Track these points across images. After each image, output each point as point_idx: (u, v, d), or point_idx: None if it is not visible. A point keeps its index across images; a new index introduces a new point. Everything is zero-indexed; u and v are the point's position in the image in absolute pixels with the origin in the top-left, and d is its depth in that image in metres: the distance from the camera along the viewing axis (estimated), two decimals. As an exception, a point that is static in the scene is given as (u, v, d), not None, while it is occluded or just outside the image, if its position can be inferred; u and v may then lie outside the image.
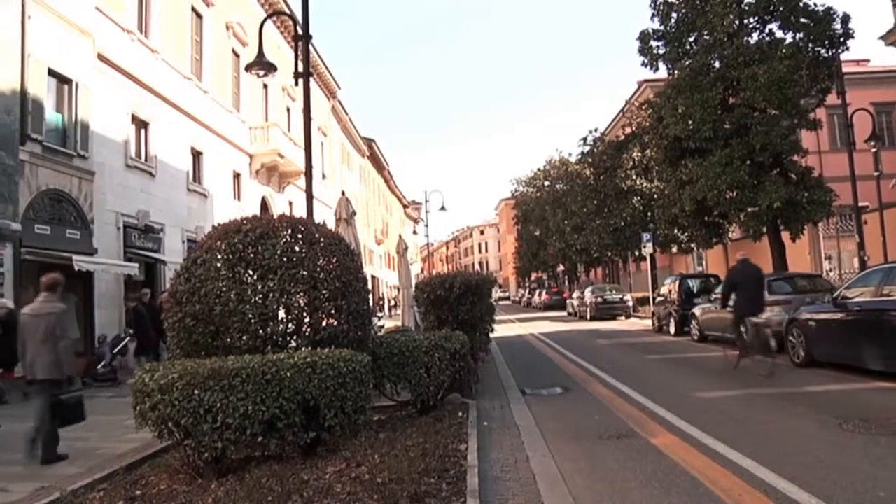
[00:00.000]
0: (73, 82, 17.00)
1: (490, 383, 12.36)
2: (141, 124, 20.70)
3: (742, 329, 12.72)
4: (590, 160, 40.80)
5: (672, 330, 20.96)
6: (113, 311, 18.21)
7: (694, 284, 21.90)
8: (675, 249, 33.44)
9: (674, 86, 21.85)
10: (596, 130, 41.84)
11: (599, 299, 33.30)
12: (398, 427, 8.02)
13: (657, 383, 11.54)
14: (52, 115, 16.49)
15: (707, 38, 21.14)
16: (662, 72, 23.78)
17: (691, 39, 22.02)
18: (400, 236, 26.91)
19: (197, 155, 24.47)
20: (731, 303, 13.35)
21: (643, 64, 23.10)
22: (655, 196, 32.26)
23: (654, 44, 22.69)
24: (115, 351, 15.74)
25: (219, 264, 7.34)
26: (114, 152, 18.93)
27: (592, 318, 32.20)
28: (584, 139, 41.48)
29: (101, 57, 18.20)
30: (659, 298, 23.54)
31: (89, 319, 17.19)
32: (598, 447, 7.27)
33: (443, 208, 51.23)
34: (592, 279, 55.79)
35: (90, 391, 13.80)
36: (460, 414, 8.73)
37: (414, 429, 7.78)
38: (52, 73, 16.27)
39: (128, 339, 15.94)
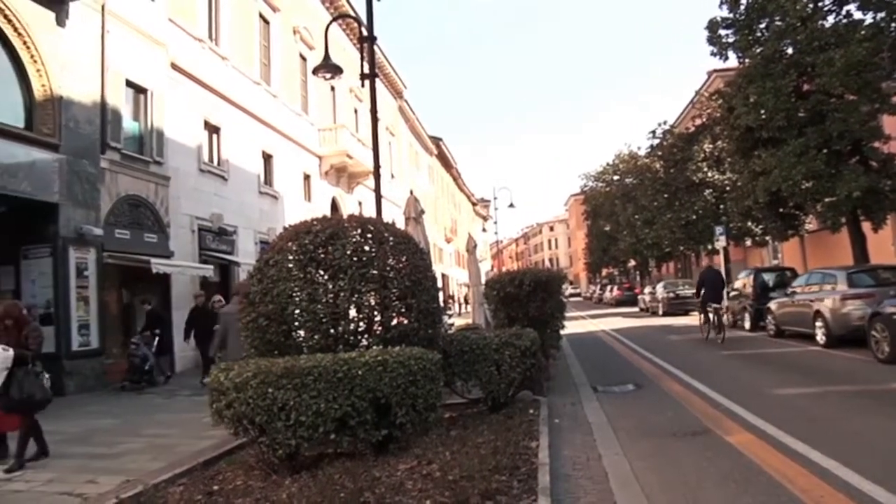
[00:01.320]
0: (149, 91, 17.55)
1: (561, 380, 12.29)
2: (213, 130, 21.20)
3: (708, 311, 18.51)
4: (659, 153, 40.18)
5: (747, 325, 20.48)
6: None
7: (769, 278, 21.33)
8: (749, 242, 32.76)
9: (744, 74, 21.33)
10: (665, 123, 41.17)
11: (671, 294, 32.73)
12: (469, 424, 8.00)
13: (732, 379, 11.29)
14: (129, 124, 17.05)
15: (779, 23, 20.49)
16: (732, 61, 23.24)
17: (762, 26, 21.35)
18: (469, 234, 26.98)
19: (267, 158, 24.92)
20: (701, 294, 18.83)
21: (712, 53, 22.62)
22: (728, 188, 31.62)
23: (722, 32, 22.15)
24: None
25: (290, 265, 7.43)
26: (188, 158, 19.44)
27: (664, 314, 31.69)
28: (653, 132, 40.87)
29: (174, 66, 18.72)
30: (733, 293, 23.00)
31: (168, 320, 17.65)
32: (671, 445, 7.14)
33: (511, 205, 51.17)
34: (664, 274, 54.95)
35: (153, 391, 14.28)
36: (531, 411, 8.66)
37: (485, 426, 7.75)
38: (129, 83, 16.83)
39: (156, 339, 16.11)
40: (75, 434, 9.76)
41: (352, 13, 26.37)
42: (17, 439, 7.79)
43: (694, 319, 27.73)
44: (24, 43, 13.69)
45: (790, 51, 20.57)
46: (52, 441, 9.13)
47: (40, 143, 14.01)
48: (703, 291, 18.70)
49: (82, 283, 14.72)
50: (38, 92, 14.03)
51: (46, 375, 8.06)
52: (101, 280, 15.26)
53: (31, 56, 13.84)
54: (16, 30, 13.51)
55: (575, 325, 27.53)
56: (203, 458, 7.40)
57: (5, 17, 13.31)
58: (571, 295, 76.73)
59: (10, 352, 7.55)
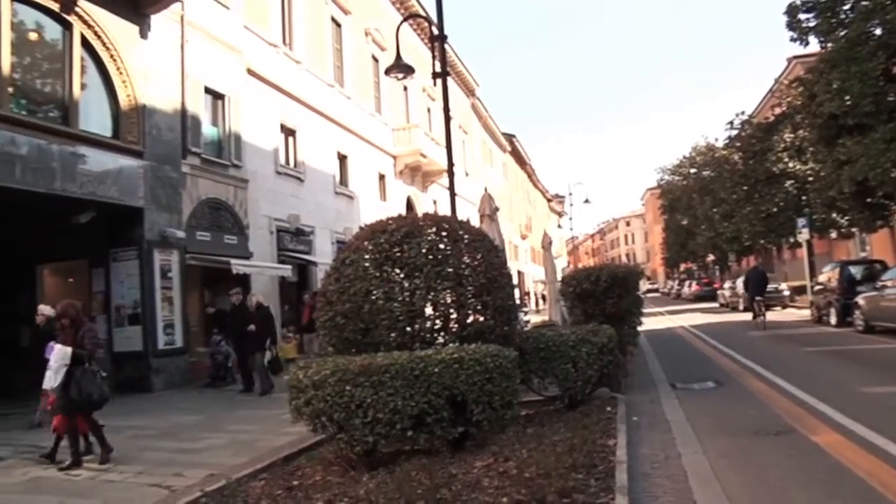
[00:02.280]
0: (226, 97, 18.03)
1: (639, 377, 12.11)
2: (289, 132, 21.61)
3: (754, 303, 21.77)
4: (738, 144, 39.20)
5: (833, 320, 19.76)
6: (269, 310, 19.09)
7: (857, 271, 20.46)
8: (834, 234, 31.64)
9: (827, 59, 20.61)
10: (743, 113, 40.09)
11: (770, 288, 31.82)
12: (546, 422, 7.94)
13: (817, 377, 10.90)
14: (208, 129, 17.54)
15: (866, 3, 19.65)
16: (813, 46, 22.50)
17: (846, 7, 20.53)
18: (544, 230, 26.84)
19: (342, 159, 25.27)
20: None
21: (792, 39, 21.96)
22: (810, 179, 30.62)
23: (803, 16, 21.43)
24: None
25: (366, 264, 7.51)
26: (265, 160, 19.86)
27: (745, 310, 30.86)
28: (731, 123, 39.89)
29: (250, 71, 19.16)
30: (818, 287, 22.28)
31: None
32: (753, 444, 6.93)
33: (587, 201, 50.66)
34: (744, 268, 53.63)
35: (233, 388, 14.62)
36: (608, 409, 8.55)
37: (561, 424, 7.69)
38: (207, 90, 17.32)
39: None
40: (163, 429, 10.14)
41: (422, 13, 26.51)
42: (68, 437, 7.93)
43: (776, 315, 27.12)
44: (111, 56, 14.30)
45: (878, 32, 19.73)
46: (143, 436, 9.57)
47: (126, 150, 14.57)
48: (749, 287, 23.26)
49: (166, 284, 15.21)
50: (123, 102, 14.60)
51: (104, 374, 8.14)
52: (183, 281, 15.75)
53: (118, 68, 14.43)
54: (104, 44, 14.13)
55: (652, 321, 27.09)
56: (283, 454, 7.54)
57: (95, 33, 13.95)
58: (649, 291, 75.46)
59: (69, 349, 7.67)
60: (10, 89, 12.52)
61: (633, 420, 8.25)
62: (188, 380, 15.03)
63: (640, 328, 13.66)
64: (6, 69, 12.30)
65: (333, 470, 6.57)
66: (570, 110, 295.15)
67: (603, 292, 11.59)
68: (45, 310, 10.97)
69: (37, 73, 13.43)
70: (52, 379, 7.61)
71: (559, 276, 18.77)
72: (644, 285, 50.35)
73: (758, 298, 21.71)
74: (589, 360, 8.62)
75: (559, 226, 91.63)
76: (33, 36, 13.35)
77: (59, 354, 7.62)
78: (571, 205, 56.85)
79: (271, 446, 8.17)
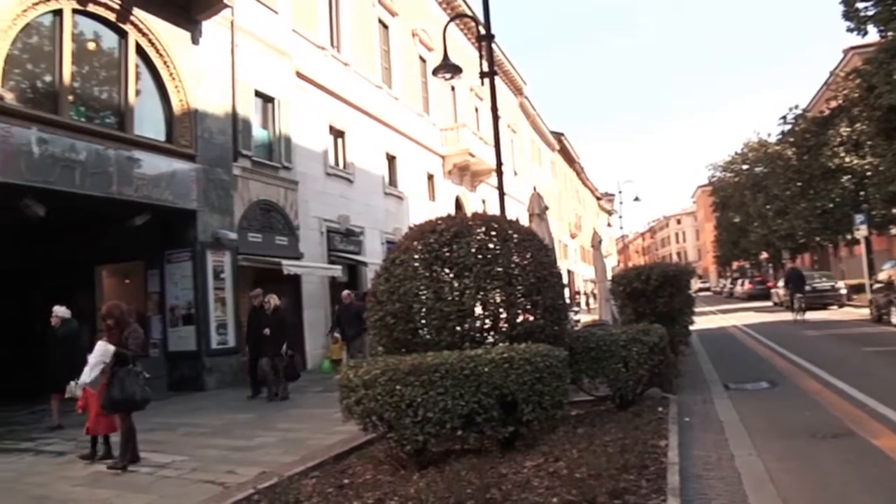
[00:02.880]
0: (276, 100, 18.25)
1: (691, 377, 11.93)
2: (338, 134, 21.79)
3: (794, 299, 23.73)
4: (791, 139, 38.46)
5: (894, 319, 19.24)
6: (319, 310, 19.29)
7: (920, 268, 19.92)
8: (894, 231, 30.83)
9: (887, 49, 20.02)
10: (797, 107, 39.28)
11: (808, 287, 31.18)
12: (596, 422, 7.87)
13: (878, 378, 10.56)
14: (258, 132, 17.78)
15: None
16: (872, 36, 21.88)
17: (906, -6, 19.97)
18: (594, 229, 26.69)
19: (391, 159, 25.40)
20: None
21: (849, 29, 21.32)
22: (868, 173, 29.89)
23: (860, 5, 20.82)
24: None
25: (416, 264, 7.54)
26: (314, 162, 20.07)
27: (787, 307, 30.23)
28: (784, 117, 39.15)
29: (299, 74, 19.38)
30: (877, 285, 21.68)
31: (299, 319, 18.31)
32: (810, 447, 6.77)
33: (637, 199, 50.28)
34: (799, 266, 52.56)
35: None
36: (660, 409, 8.44)
37: (612, 424, 7.63)
38: (257, 93, 17.57)
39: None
40: (217, 427, 10.33)
41: (469, 12, 26.52)
42: (120, 438, 7.93)
43: (833, 313, 26.54)
44: (164, 62, 14.63)
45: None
46: (197, 433, 9.76)
47: (179, 154, 14.87)
48: (789, 286, 25.61)
49: (219, 284, 15.48)
50: (176, 107, 14.90)
51: (147, 376, 8.07)
52: (236, 282, 16.00)
53: (170, 74, 14.74)
54: (157, 51, 14.46)
55: (704, 320, 26.66)
56: (334, 453, 7.61)
57: (148, 40, 14.31)
58: (700, 289, 74.30)
59: (111, 347, 7.62)
60: (70, 97, 12.90)
61: (684, 421, 8.14)
62: (240, 379, 15.24)
63: (691, 327, 13.47)
64: (67, 79, 12.73)
65: (384, 469, 6.60)
66: (619, 108, 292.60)
67: (654, 291, 11.47)
68: (58, 311, 10.84)
69: (94, 80, 13.79)
70: (87, 374, 7.62)
71: (609, 275, 18.64)
72: (695, 284, 49.53)
73: (798, 296, 23.97)
74: (640, 360, 8.53)
75: (609, 224, 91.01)
76: (91, 45, 13.74)
77: (99, 350, 7.61)
78: (621, 203, 56.13)
79: (322, 445, 8.24)
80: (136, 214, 14.29)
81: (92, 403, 8.21)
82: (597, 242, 20.70)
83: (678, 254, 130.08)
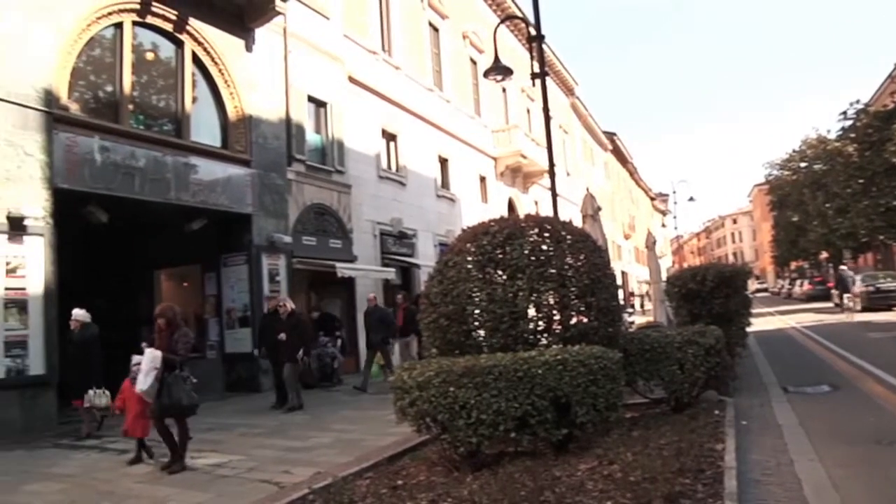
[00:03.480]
0: (328, 105, 18.45)
1: (748, 380, 11.69)
2: (390, 137, 21.93)
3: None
4: (852, 135, 37.50)
5: (962, 319, 18.58)
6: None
7: None
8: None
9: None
10: (858, 102, 38.29)
11: (871, 288, 30.20)
12: (651, 425, 7.79)
13: (950, 383, 10.18)
14: (312, 137, 18.00)
15: None
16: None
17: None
18: (648, 230, 26.41)
19: (443, 162, 25.47)
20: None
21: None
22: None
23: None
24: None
25: (469, 266, 7.53)
26: (367, 165, 20.22)
27: (863, 309, 29.41)
28: (845, 113, 38.19)
29: (351, 79, 19.55)
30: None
31: (353, 322, 18.46)
32: (874, 453, 6.50)
33: (691, 199, 49.49)
34: (861, 266, 51.17)
35: (339, 389, 14.95)
36: (716, 412, 8.29)
37: (667, 427, 7.51)
38: (310, 98, 17.79)
39: (339, 340, 16.80)
40: (273, 427, 10.48)
41: (519, 14, 26.45)
42: (178, 440, 7.84)
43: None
44: (219, 70, 14.94)
45: None
46: (253, 433, 9.92)
47: (234, 159, 15.14)
48: (838, 287, 26.63)
49: (274, 287, 15.68)
50: (231, 113, 15.19)
51: (194, 381, 7.96)
52: (291, 284, 16.20)
53: (225, 81, 15.04)
54: (212, 59, 14.78)
55: (762, 321, 26.10)
56: (388, 454, 7.65)
57: (204, 49, 14.64)
58: (758, 290, 72.76)
59: (159, 353, 7.57)
60: (131, 106, 13.31)
61: (742, 424, 7.97)
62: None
63: (748, 329, 13.20)
64: (127, 88, 13.15)
65: (437, 470, 6.61)
66: (672, 108, 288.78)
67: (709, 292, 11.29)
68: (77, 314, 10.46)
69: (153, 89, 14.14)
70: (142, 381, 7.58)
71: (664, 276, 18.40)
72: (752, 285, 48.57)
73: (846, 296, 26.63)
74: (695, 362, 8.38)
75: (663, 225, 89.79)
76: (150, 56, 14.15)
77: (149, 357, 7.60)
78: (675, 203, 55.58)
79: (376, 446, 8.29)
80: (193, 219, 14.62)
81: (130, 405, 8.18)
82: (651, 243, 20.43)
83: (734, 254, 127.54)
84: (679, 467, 5.69)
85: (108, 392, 9.95)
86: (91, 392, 10.07)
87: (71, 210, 11.92)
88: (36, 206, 11.04)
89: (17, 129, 10.90)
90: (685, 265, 38.43)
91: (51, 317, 11.16)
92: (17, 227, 10.74)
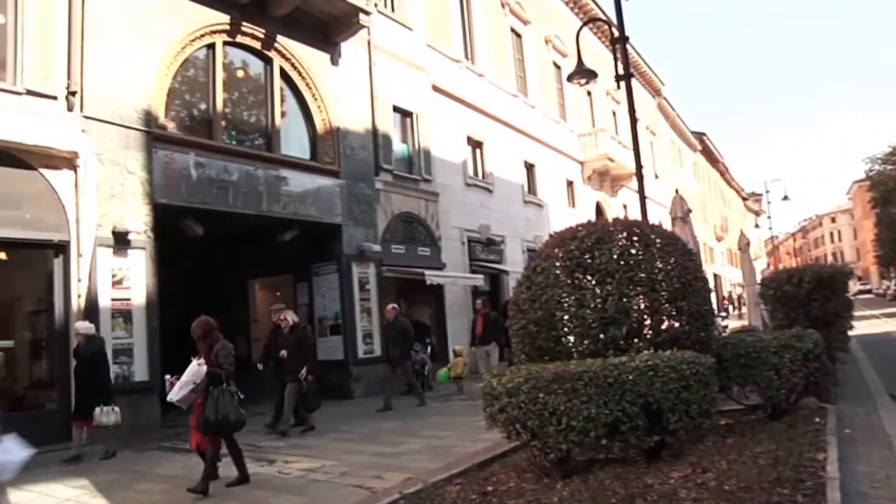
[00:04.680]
0: (414, 114, 18.68)
1: (852, 386, 11.19)
2: (475, 145, 22.02)
3: None
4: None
5: None
6: (462, 319, 19.46)
7: None
8: None
9: None
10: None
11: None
12: (746, 432, 7.54)
13: None
14: (398, 146, 18.25)
15: None
16: None
17: None
18: (741, 231, 25.68)
19: (530, 167, 25.42)
20: None
21: None
22: None
23: None
24: None
25: (557, 271, 7.48)
26: (453, 173, 20.35)
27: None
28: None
29: (435, 88, 19.74)
30: None
31: (442, 329, 18.59)
32: None
33: (786, 198, 47.78)
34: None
35: (429, 395, 14.98)
36: (817, 420, 7.93)
37: (764, 434, 7.26)
38: (395, 108, 18.06)
39: (429, 347, 16.67)
40: (365, 434, 10.63)
41: (601, 16, 26.19)
42: (206, 460, 7.50)
43: None
44: (307, 84, 15.33)
45: None
46: (345, 439, 10.10)
47: (323, 171, 15.49)
48: None
49: (364, 295, 15.95)
50: (319, 126, 15.57)
51: (241, 396, 7.65)
52: (380, 292, 16.43)
53: (312, 95, 15.42)
54: (300, 73, 15.18)
55: (866, 324, 25.05)
56: (478, 460, 7.65)
57: (291, 64, 15.07)
58: (860, 292, 69.84)
59: (204, 367, 7.39)
60: (223, 123, 13.78)
61: (845, 433, 7.60)
62: (386, 387, 15.60)
63: (850, 333, 12.70)
64: (220, 105, 13.63)
65: (527, 477, 6.57)
66: (763, 107, 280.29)
67: (807, 294, 10.93)
68: (80, 327, 9.88)
69: (244, 105, 14.61)
70: (175, 393, 7.39)
71: (758, 279, 17.89)
72: (854, 286, 46.68)
73: None
74: (793, 368, 8.07)
75: (756, 225, 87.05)
76: (240, 73, 14.65)
77: (191, 370, 7.43)
78: (769, 202, 53.55)
79: (466, 452, 8.31)
80: (284, 230, 15.00)
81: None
82: (744, 245, 19.88)
83: (833, 254, 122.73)
84: (777, 477, 5.50)
85: (117, 409, 9.66)
86: (98, 410, 9.49)
87: (169, 224, 12.41)
88: (138, 221, 11.56)
89: (119, 149, 11.45)
90: (781, 266, 37.09)
91: (153, 326, 11.64)
92: (121, 241, 11.27)
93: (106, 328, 10.89)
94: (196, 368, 7.44)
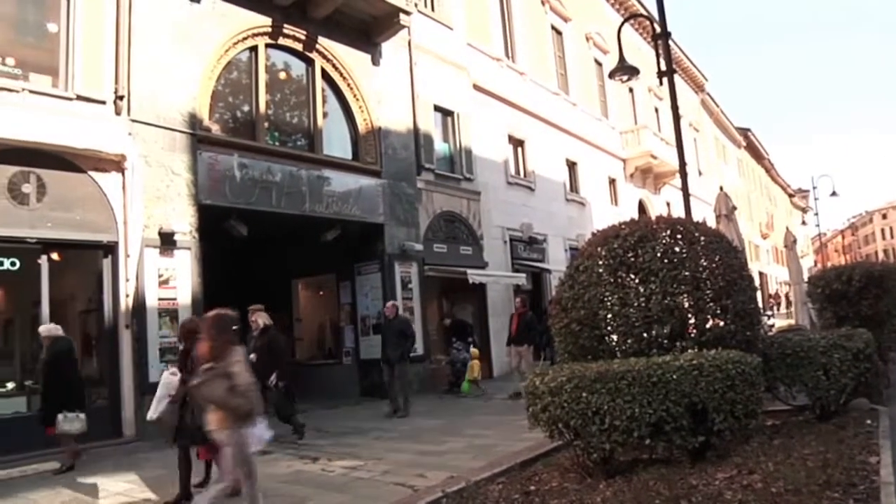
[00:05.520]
0: (455, 113, 18.71)
1: (905, 388, 10.92)
2: (517, 143, 21.97)
3: None
4: None
5: None
6: (504, 318, 19.36)
7: None
8: None
9: None
10: None
11: None
12: (794, 433, 7.40)
13: None
14: (440, 146, 18.28)
15: None
16: None
17: None
18: (787, 228, 25.20)
19: (571, 165, 25.29)
20: None
21: None
22: None
23: None
24: None
25: (600, 270, 7.44)
26: (495, 172, 20.32)
27: None
28: None
29: (476, 86, 19.73)
30: None
31: (485, 327, 18.59)
32: None
33: (834, 194, 46.84)
34: None
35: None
36: (868, 422, 7.75)
37: (812, 436, 7.12)
38: (436, 108, 18.09)
39: (471, 346, 16.49)
40: (406, 432, 10.69)
41: (643, 12, 25.94)
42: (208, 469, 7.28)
43: None
44: (348, 85, 15.45)
45: None
46: (388, 437, 10.18)
47: (365, 171, 15.58)
48: None
49: (407, 294, 16.00)
50: (360, 126, 15.67)
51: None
52: (423, 292, 16.50)
53: (354, 95, 15.52)
54: (341, 74, 15.31)
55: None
56: (520, 459, 7.65)
57: (333, 65, 15.19)
58: (914, 289, 68.09)
59: (177, 377, 6.76)
60: (266, 124, 13.94)
61: (899, 435, 7.43)
62: (428, 386, 15.65)
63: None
64: (262, 107, 13.79)
65: (570, 476, 6.55)
66: (810, 103, 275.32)
67: (857, 293, 10.68)
68: (44, 329, 9.28)
69: (286, 107, 14.76)
70: (153, 410, 6.82)
71: (805, 277, 17.58)
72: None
73: None
74: (842, 368, 7.88)
75: (803, 222, 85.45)
76: (282, 75, 14.81)
77: (163, 382, 6.92)
78: (816, 199, 52.44)
79: (509, 451, 8.31)
80: (327, 230, 15.13)
81: None
82: (790, 242, 19.53)
83: (885, 251, 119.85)
84: (826, 480, 5.37)
85: (82, 416, 8.83)
86: (61, 416, 8.65)
87: (214, 224, 12.62)
88: (183, 221, 11.76)
89: (165, 152, 11.66)
90: (829, 264, 36.36)
91: (198, 325, 11.78)
92: (167, 241, 11.48)
93: (153, 327, 11.16)
94: (169, 379, 6.89)
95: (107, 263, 11.10)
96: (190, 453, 6.90)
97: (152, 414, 6.85)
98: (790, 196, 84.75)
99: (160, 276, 11.39)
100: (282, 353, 10.92)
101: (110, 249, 11.05)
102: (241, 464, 5.35)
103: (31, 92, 10.23)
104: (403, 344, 12.91)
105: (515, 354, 14.78)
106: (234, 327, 5.75)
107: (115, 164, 10.95)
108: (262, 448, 5.61)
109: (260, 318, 10.75)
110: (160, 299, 11.34)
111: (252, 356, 9.71)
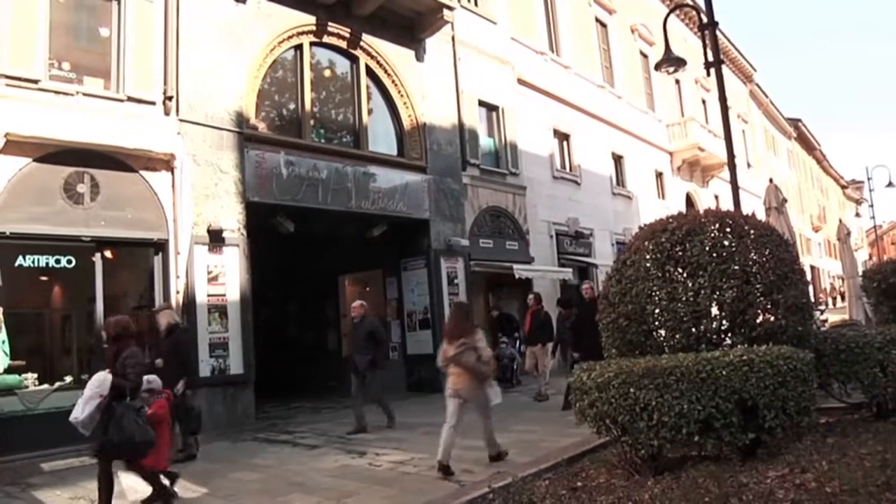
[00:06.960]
0: (500, 108, 18.67)
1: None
2: (562, 137, 21.84)
3: None
4: None
5: None
6: (551, 313, 19.32)
7: None
8: None
9: None
10: None
11: None
12: (849, 432, 7.18)
13: None
14: (485, 141, 18.27)
15: None
16: None
17: None
18: (840, 221, 24.65)
19: (617, 159, 25.07)
20: None
21: None
22: None
23: None
24: None
25: (648, 264, 7.36)
26: (540, 166, 20.24)
27: None
28: None
29: (520, 81, 19.65)
30: None
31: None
32: None
33: (890, 184, 45.66)
34: None
35: (518, 390, 15.03)
36: (928, 421, 7.55)
37: (869, 435, 6.88)
38: (481, 103, 18.08)
39: (517, 341, 16.52)
40: (455, 428, 10.65)
41: (689, 2, 25.57)
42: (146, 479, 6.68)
43: None
44: (393, 81, 15.53)
45: None
46: (435, 433, 9.99)
47: (410, 167, 15.64)
48: None
49: (453, 290, 16.03)
50: (405, 122, 15.73)
51: (149, 410, 6.68)
52: (469, 287, 16.50)
53: (399, 91, 15.59)
54: (385, 71, 15.38)
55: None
56: (567, 455, 7.63)
57: (377, 62, 15.28)
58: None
59: (108, 377, 6.20)
60: (312, 122, 14.10)
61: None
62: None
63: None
64: (308, 105, 13.95)
65: (617, 473, 6.49)
66: (865, 92, 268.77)
67: (916, 287, 10.41)
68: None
69: (331, 104, 14.90)
70: (78, 409, 6.16)
71: (860, 270, 17.19)
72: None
73: None
74: (901, 365, 7.71)
75: (857, 214, 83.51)
76: (327, 73, 14.98)
77: (95, 381, 6.27)
78: (871, 190, 51.19)
79: (555, 447, 8.30)
80: (373, 226, 15.24)
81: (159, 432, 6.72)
82: (844, 235, 19.08)
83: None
84: (885, 481, 5.15)
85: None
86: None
87: (261, 221, 12.80)
88: (231, 219, 11.95)
89: (213, 150, 11.86)
90: (885, 257, 35.41)
91: (247, 321, 12.05)
92: (216, 239, 11.69)
93: (203, 323, 11.41)
94: (102, 378, 6.25)
95: (157, 261, 11.33)
96: (112, 470, 6.36)
97: (79, 415, 6.12)
98: (843, 188, 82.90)
99: (209, 272, 11.60)
100: (190, 357, 9.85)
101: (161, 247, 11.27)
102: (483, 411, 7.83)
103: (84, 95, 10.51)
104: (374, 348, 11.17)
105: (531, 355, 14.10)
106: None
107: (165, 163, 11.17)
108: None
109: (163, 318, 9.40)
110: (209, 295, 11.56)
111: (158, 361, 8.90)
